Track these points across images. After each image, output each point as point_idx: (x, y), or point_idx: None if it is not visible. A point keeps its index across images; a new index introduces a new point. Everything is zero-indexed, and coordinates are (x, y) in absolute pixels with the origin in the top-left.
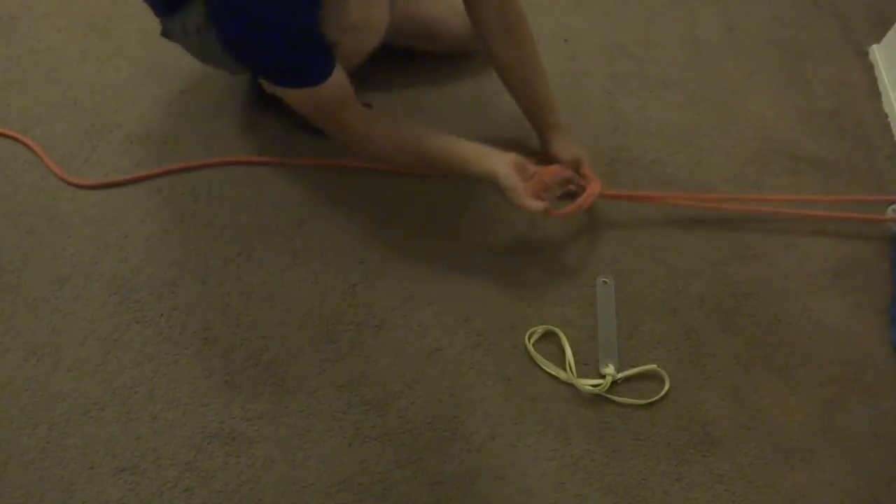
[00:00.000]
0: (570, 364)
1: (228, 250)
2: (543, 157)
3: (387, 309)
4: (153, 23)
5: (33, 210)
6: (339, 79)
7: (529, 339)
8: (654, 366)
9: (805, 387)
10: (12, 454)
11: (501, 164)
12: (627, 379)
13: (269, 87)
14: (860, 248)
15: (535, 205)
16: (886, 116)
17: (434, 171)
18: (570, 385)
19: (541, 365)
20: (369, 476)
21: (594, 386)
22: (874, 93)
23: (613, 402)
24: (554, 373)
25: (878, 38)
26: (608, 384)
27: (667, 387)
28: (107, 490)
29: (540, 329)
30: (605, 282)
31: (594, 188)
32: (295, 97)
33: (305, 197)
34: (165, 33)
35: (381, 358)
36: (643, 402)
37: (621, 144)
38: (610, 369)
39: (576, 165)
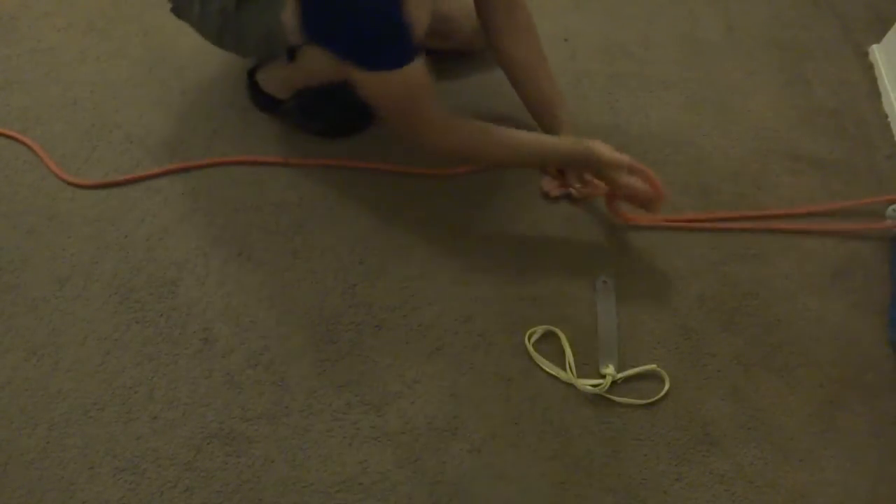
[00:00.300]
0: (570, 364)
1: (228, 250)
2: None
3: (387, 309)
4: (153, 23)
5: (33, 210)
6: (422, 64)
7: (529, 339)
8: (654, 366)
9: (805, 387)
10: (12, 454)
11: (594, 142)
12: (627, 379)
13: (269, 87)
14: (860, 248)
15: (625, 162)
16: (886, 116)
17: (519, 159)
18: (571, 385)
19: (541, 365)
20: (369, 476)
21: (594, 386)
22: (874, 93)
23: (613, 402)
24: (554, 373)
25: (878, 38)
26: (608, 384)
27: (667, 387)
28: (107, 490)
29: (540, 329)
30: (605, 281)
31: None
32: (380, 83)
33: (305, 197)
34: (177, 10)
35: (381, 358)
36: (643, 402)
37: (621, 144)
38: (610, 369)
39: None
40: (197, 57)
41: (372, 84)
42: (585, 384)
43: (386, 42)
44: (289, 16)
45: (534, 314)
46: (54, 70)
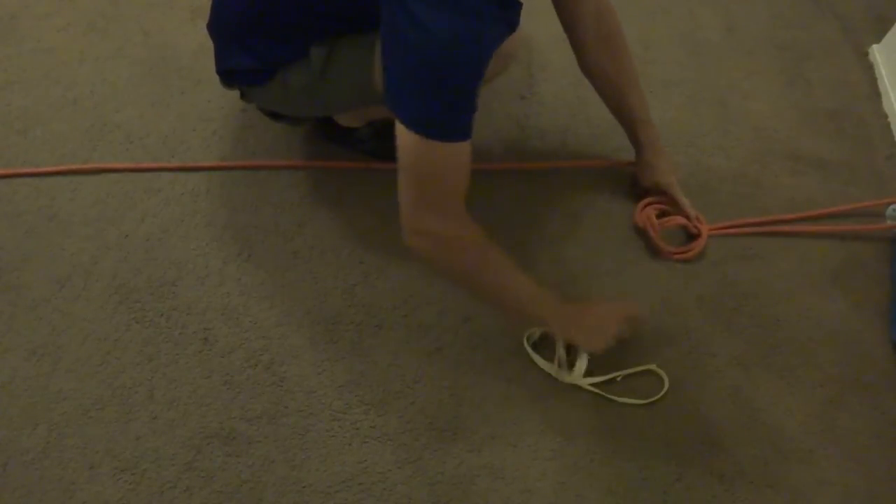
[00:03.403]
0: (559, 359)
1: (228, 250)
2: (636, 170)
3: (387, 309)
4: (153, 23)
5: (33, 210)
6: (469, 146)
7: (528, 340)
8: (653, 366)
9: (805, 387)
10: (12, 454)
11: (554, 314)
12: (627, 379)
13: (343, 120)
14: (860, 248)
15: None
16: (886, 116)
17: (497, 299)
18: (571, 385)
19: (539, 364)
20: (369, 476)
21: (593, 385)
22: (874, 93)
23: (613, 402)
24: (555, 374)
25: (878, 38)
26: (581, 371)
27: (666, 387)
28: (107, 490)
29: (538, 331)
30: None
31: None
32: (426, 148)
33: (305, 197)
34: (250, 98)
35: (381, 358)
36: (643, 402)
37: (622, 145)
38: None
39: (660, 190)
40: (197, 57)
41: (416, 145)
42: (566, 376)
43: (457, 114)
44: (381, 73)
45: None
46: (54, 70)
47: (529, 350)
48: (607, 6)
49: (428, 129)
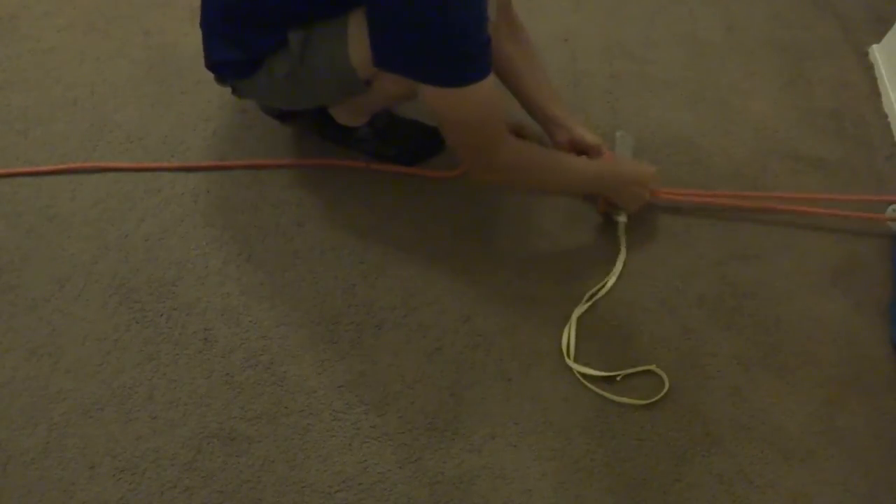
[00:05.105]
0: (568, 345)
1: (228, 250)
2: (558, 147)
3: (387, 309)
4: (153, 23)
5: (33, 210)
6: (493, 77)
7: (567, 351)
8: (653, 366)
9: (805, 387)
10: (12, 454)
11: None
12: (627, 379)
13: (341, 118)
14: (860, 248)
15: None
16: (886, 116)
17: (570, 185)
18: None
19: (579, 372)
20: (369, 476)
21: (592, 377)
22: (874, 93)
23: (613, 402)
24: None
25: (878, 38)
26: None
27: (666, 387)
28: (107, 490)
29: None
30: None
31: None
32: (461, 98)
33: (305, 197)
34: (240, 92)
35: (381, 358)
36: (643, 401)
37: None
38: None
39: (598, 150)
40: (197, 57)
41: (452, 101)
42: (578, 368)
43: (474, 58)
44: (356, 51)
45: (534, 314)
46: (54, 70)
47: (570, 363)
48: None
49: (459, 77)
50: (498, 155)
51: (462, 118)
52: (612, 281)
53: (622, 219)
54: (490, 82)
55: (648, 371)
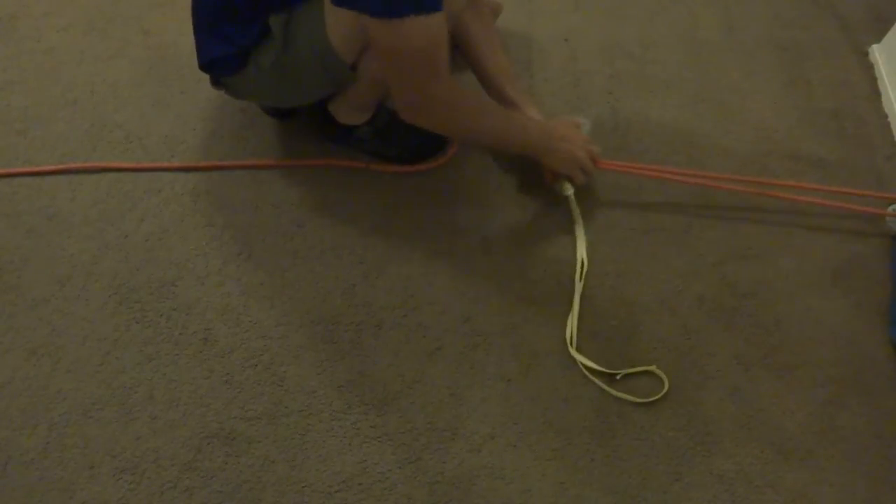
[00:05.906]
0: (572, 334)
1: (228, 250)
2: None
3: (387, 309)
4: (153, 23)
5: (33, 210)
6: (443, 14)
7: (570, 341)
8: (653, 366)
9: (805, 387)
10: (12, 454)
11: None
12: (627, 379)
13: (342, 116)
14: (860, 248)
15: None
16: (886, 116)
17: (500, 134)
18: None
19: (584, 364)
20: (369, 476)
21: (593, 371)
22: (874, 93)
23: (613, 402)
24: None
25: (878, 38)
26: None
27: (666, 387)
28: (107, 490)
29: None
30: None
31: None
32: (407, 30)
33: (305, 197)
34: (233, 91)
35: (381, 358)
36: (643, 401)
37: (621, 144)
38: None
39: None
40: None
41: (397, 33)
42: (581, 358)
43: None
44: (334, 30)
45: (533, 314)
46: (54, 70)
47: (573, 352)
48: None
49: (394, 9)
50: (431, 89)
51: (395, 47)
52: (583, 251)
53: (569, 192)
54: (435, 20)
55: (648, 371)
